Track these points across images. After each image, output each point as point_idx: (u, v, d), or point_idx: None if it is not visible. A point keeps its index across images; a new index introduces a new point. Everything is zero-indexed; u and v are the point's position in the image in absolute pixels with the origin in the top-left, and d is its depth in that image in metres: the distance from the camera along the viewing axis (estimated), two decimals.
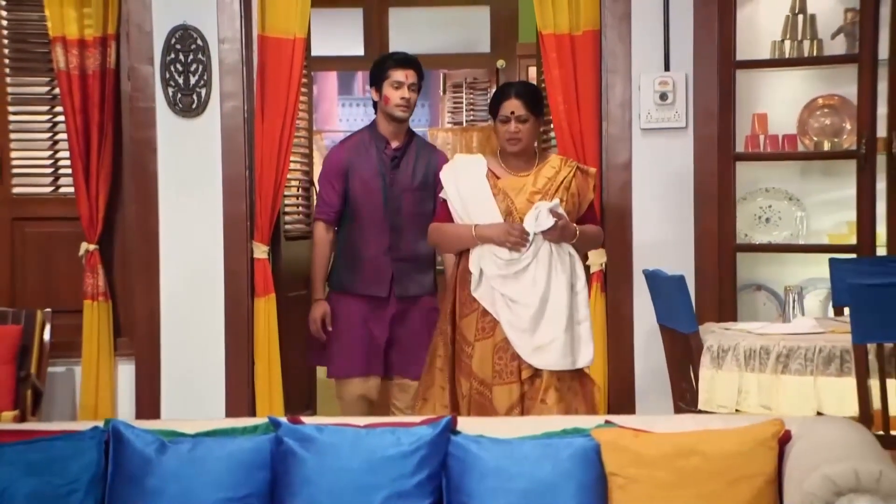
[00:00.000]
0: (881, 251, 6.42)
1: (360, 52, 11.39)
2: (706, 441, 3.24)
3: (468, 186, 5.55)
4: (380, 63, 6.23)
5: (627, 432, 3.28)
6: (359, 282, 6.21)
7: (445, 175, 5.66)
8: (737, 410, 5.11)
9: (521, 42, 10.98)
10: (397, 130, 6.24)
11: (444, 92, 12.37)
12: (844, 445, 3.15)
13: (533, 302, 5.34)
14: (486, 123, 11.64)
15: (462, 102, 12.08)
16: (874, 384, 4.84)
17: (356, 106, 13.97)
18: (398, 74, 6.11)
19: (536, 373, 5.33)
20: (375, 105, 6.24)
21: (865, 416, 4.84)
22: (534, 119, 5.55)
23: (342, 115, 13.61)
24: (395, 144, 6.24)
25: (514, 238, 5.35)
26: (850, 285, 4.84)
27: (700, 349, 5.29)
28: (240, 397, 6.78)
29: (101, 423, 3.71)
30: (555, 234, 5.35)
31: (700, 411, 5.18)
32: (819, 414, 5.00)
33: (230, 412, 6.70)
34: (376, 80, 6.19)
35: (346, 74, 13.68)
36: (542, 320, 5.33)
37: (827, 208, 6.81)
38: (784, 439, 3.26)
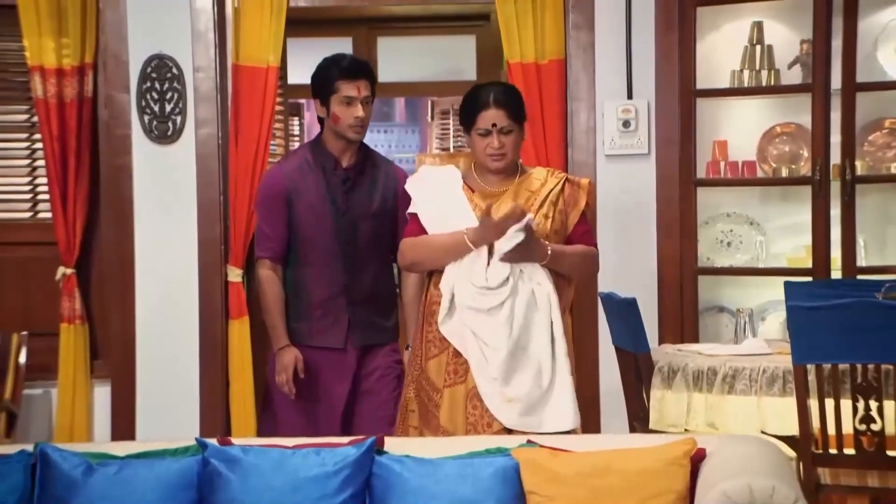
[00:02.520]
0: (836, 275, 6.46)
1: None
2: (621, 460, 3.28)
3: (445, 199, 4.79)
4: (323, 72, 5.15)
5: (546, 451, 3.32)
6: (308, 331, 5.22)
7: (415, 188, 4.89)
8: (686, 430, 5.14)
9: (504, 70, 11.02)
10: (348, 147, 5.22)
11: (432, 118, 12.44)
12: (746, 462, 3.20)
13: (505, 345, 4.55)
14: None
15: (449, 129, 12.17)
16: (814, 404, 4.86)
17: None
18: (348, 88, 5.06)
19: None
20: (321, 119, 5.22)
21: (805, 435, 4.88)
22: (518, 128, 4.77)
23: None
24: (346, 163, 5.21)
25: (504, 222, 4.59)
26: (789, 307, 4.88)
27: (651, 370, 5.32)
28: (214, 419, 6.82)
29: (30, 447, 3.73)
30: (515, 253, 4.59)
31: (652, 431, 5.21)
32: (763, 433, 5.06)
33: (204, 433, 6.71)
34: (321, 94, 5.13)
35: None
36: (517, 369, 4.57)
37: (786, 233, 6.87)
38: (698, 457, 3.30)
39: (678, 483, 3.28)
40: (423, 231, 4.81)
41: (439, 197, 4.81)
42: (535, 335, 4.60)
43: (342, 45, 11.45)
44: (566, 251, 4.75)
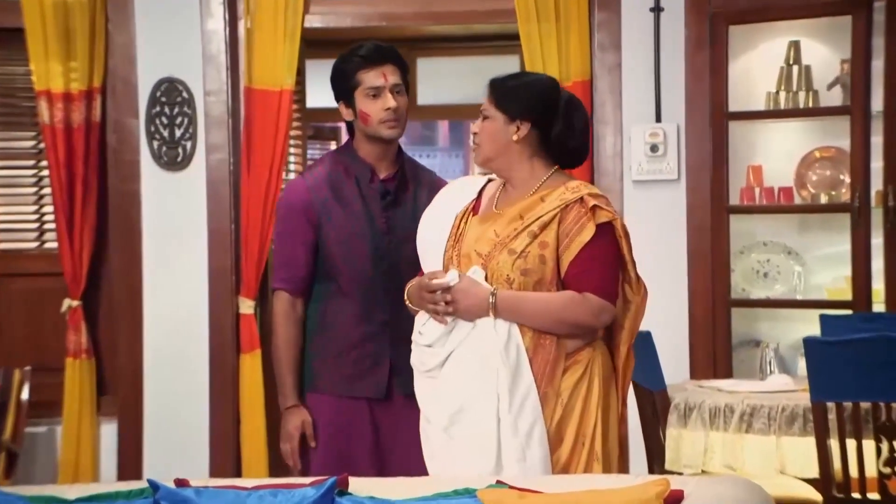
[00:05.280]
0: (880, 308, 6.42)
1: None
2: (590, 501, 3.26)
3: (438, 222, 4.21)
4: (343, 67, 4.51)
5: (513, 493, 3.31)
6: (342, 378, 4.52)
7: (431, 206, 4.32)
8: (703, 471, 5.12)
9: None
10: (385, 153, 4.55)
11: None
12: None
13: (441, 418, 4.00)
14: None
15: None
16: (835, 444, 4.83)
17: None
18: (372, 77, 4.43)
19: None
20: (350, 126, 4.57)
21: (826, 478, 4.86)
22: (505, 119, 4.07)
23: None
24: (384, 174, 4.57)
25: (430, 301, 4.02)
26: (805, 341, 4.86)
27: (667, 407, 5.31)
28: (224, 457, 6.88)
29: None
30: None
31: (669, 472, 5.19)
32: (783, 475, 5.04)
33: (214, 472, 6.80)
34: (344, 93, 4.50)
35: None
36: (454, 449, 3.98)
37: (826, 263, 6.85)
38: (674, 499, 3.27)
39: None
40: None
41: (437, 219, 4.22)
42: (482, 403, 3.94)
43: None
44: (524, 301, 3.97)
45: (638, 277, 4.16)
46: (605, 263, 4.06)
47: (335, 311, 4.54)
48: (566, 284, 3.99)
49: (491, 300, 3.93)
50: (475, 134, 4.13)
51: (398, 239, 4.50)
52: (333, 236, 4.50)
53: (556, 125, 4.10)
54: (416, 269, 4.28)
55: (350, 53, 4.50)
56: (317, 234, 4.51)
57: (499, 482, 3.41)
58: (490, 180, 4.25)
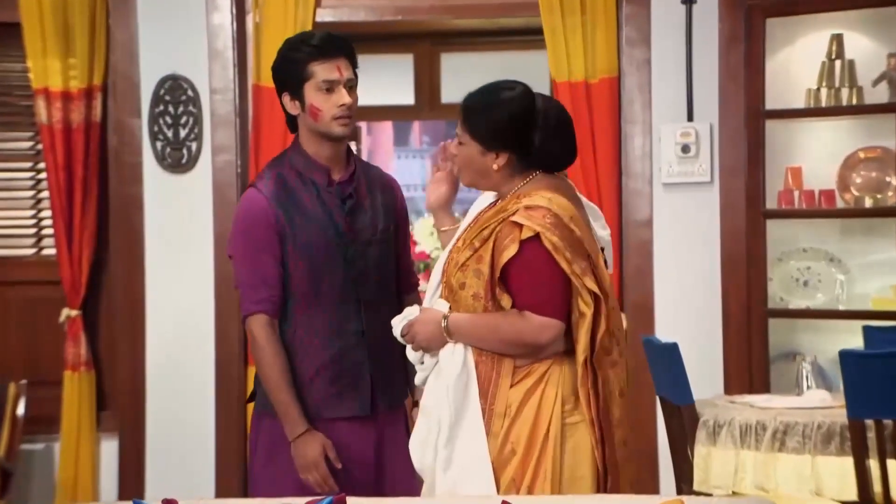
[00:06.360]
0: None
1: (410, 100, 11.52)
2: None
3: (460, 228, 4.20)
4: (292, 56, 4.36)
5: None
6: (321, 400, 4.37)
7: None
8: (733, 492, 5.08)
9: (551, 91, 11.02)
10: (337, 153, 4.41)
11: None
12: None
13: (431, 431, 4.03)
14: None
15: None
16: (874, 465, 4.78)
17: (413, 158, 14.16)
18: (327, 70, 4.30)
19: None
20: (293, 120, 4.42)
21: (865, 500, 4.81)
22: (481, 150, 3.98)
23: (398, 167, 13.74)
24: (338, 176, 4.43)
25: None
26: (841, 354, 4.81)
27: (695, 423, 5.27)
28: (231, 475, 6.86)
29: None
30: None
31: (696, 493, 5.15)
32: (818, 496, 4.99)
33: (220, 491, 6.78)
34: (291, 84, 4.35)
35: (402, 125, 13.87)
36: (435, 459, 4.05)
37: (870, 271, 6.77)
38: None
39: None
40: None
41: (462, 225, 4.20)
42: (425, 437, 4.05)
43: (402, 63, 11.52)
44: (469, 323, 3.98)
45: (587, 289, 3.89)
46: (538, 279, 3.92)
47: (305, 329, 4.38)
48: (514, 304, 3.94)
49: (443, 324, 3.97)
50: (454, 156, 4.10)
51: (363, 242, 4.41)
52: (299, 249, 4.36)
53: (536, 139, 4.00)
54: (381, 274, 4.40)
55: (300, 42, 4.38)
56: (282, 248, 4.36)
57: (504, 503, 3.39)
58: None
